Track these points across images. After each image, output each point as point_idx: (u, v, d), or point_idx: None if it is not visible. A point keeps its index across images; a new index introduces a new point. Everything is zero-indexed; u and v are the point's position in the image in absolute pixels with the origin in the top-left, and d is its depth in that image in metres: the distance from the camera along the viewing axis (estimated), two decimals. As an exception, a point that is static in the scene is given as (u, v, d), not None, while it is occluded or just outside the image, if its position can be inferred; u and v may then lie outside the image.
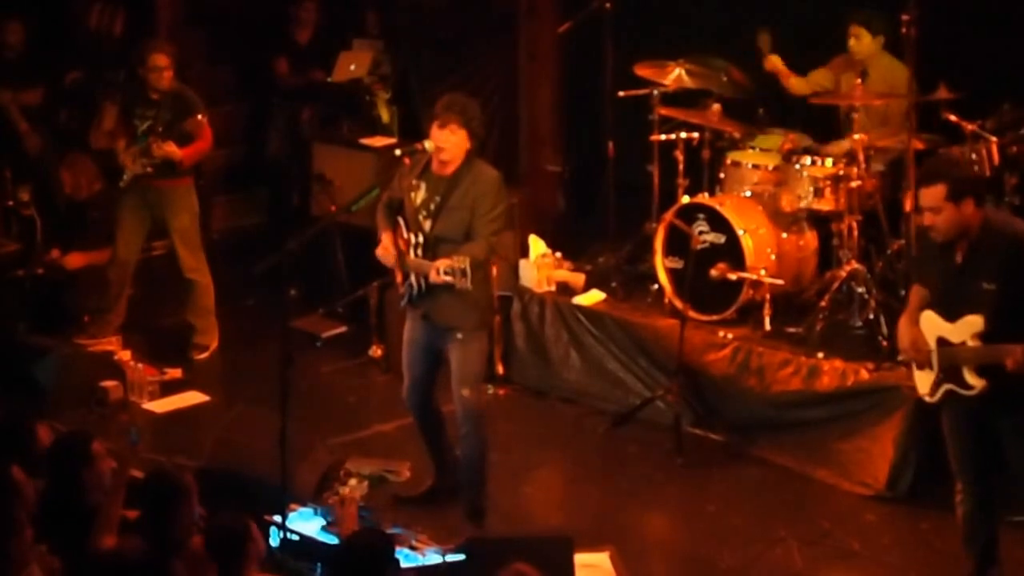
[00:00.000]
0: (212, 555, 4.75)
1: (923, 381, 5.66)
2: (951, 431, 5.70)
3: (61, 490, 5.16)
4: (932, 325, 5.56)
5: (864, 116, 7.53)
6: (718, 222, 7.60)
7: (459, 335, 6.27)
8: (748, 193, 7.85)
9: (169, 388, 7.99)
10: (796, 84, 8.00)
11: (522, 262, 8.28)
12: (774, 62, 8.01)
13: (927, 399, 5.68)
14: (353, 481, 6.72)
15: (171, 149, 8.08)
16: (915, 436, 6.83)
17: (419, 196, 6.25)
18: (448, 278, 5.95)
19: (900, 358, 5.84)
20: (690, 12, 8.85)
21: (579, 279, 8.22)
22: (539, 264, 8.22)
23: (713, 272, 7.59)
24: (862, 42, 7.68)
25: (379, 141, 9.32)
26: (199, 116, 8.11)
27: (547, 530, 6.52)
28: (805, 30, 8.30)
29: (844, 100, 7.68)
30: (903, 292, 7.39)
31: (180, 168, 8.22)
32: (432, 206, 6.20)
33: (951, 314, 5.48)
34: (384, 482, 6.86)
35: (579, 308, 8.02)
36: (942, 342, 5.52)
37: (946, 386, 5.56)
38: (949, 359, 5.50)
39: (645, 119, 8.13)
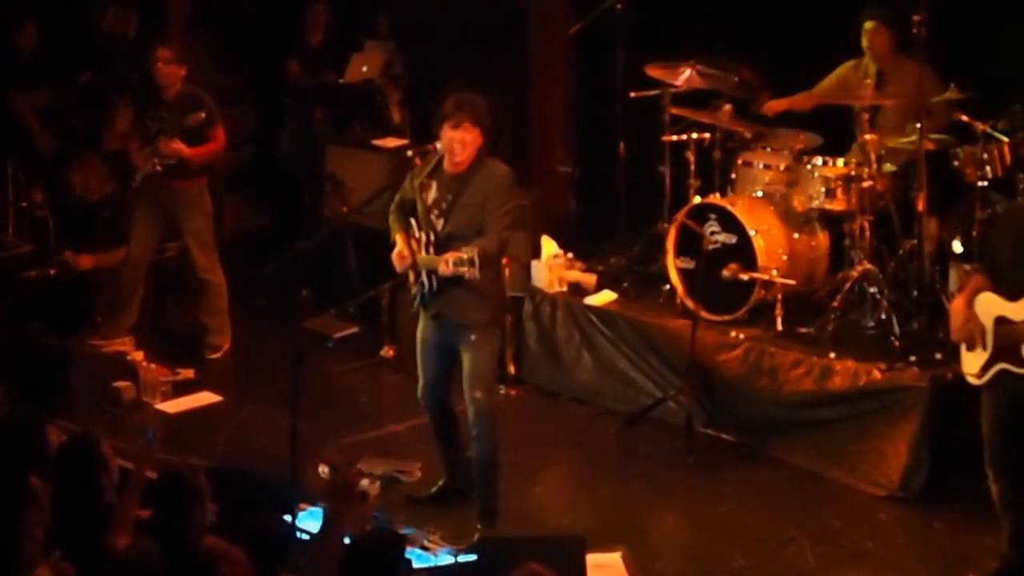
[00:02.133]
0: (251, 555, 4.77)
1: (972, 361, 5.80)
2: (991, 416, 5.80)
3: (73, 493, 5.16)
4: (991, 305, 5.71)
5: (883, 117, 7.52)
6: (730, 222, 7.60)
7: (472, 336, 6.27)
8: (760, 193, 7.84)
9: (182, 388, 8.01)
10: (802, 99, 7.98)
11: (534, 263, 8.28)
12: (772, 106, 8.00)
13: (974, 380, 5.81)
14: (365, 481, 6.74)
15: (178, 147, 8.09)
16: (928, 436, 6.83)
17: (430, 195, 6.25)
18: (459, 268, 5.95)
19: (953, 338, 5.93)
20: (701, 13, 8.83)
21: (591, 279, 8.22)
22: (551, 265, 8.23)
23: (725, 272, 7.59)
24: (879, 38, 7.67)
25: (391, 142, 9.33)
26: (201, 114, 8.11)
27: (559, 530, 6.51)
28: (816, 32, 8.29)
29: (857, 100, 7.65)
30: (915, 292, 7.40)
31: (190, 167, 8.24)
32: (444, 204, 6.21)
33: (1015, 293, 5.62)
34: (396, 482, 6.86)
35: (591, 308, 8.03)
36: (1001, 321, 5.65)
37: (1000, 366, 5.69)
38: (1008, 337, 5.62)
39: (656, 119, 8.13)
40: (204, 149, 8.23)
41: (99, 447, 5.24)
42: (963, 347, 5.86)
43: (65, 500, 5.09)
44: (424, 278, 6.26)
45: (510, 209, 6.20)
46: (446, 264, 6.00)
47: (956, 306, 5.88)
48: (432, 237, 6.22)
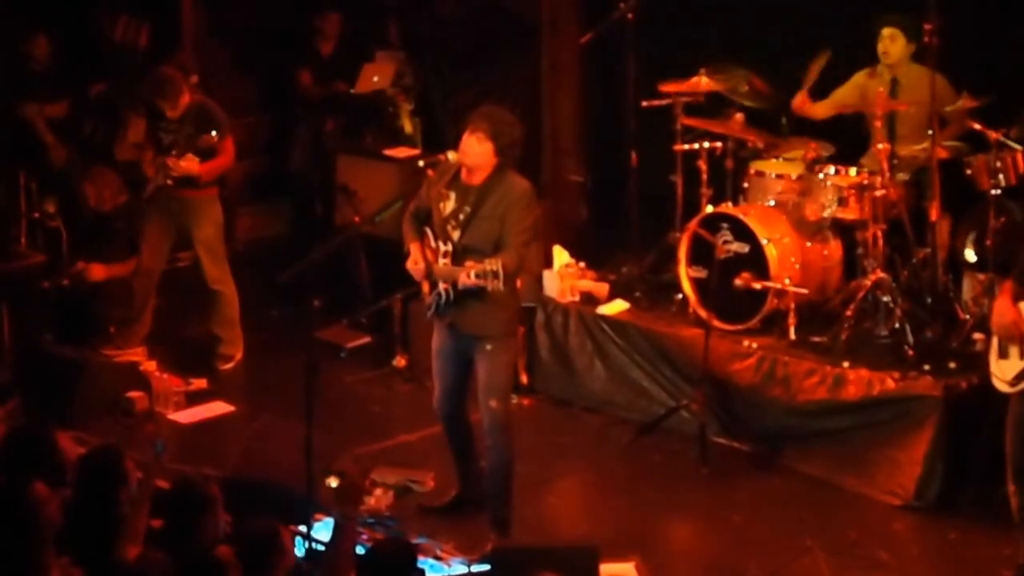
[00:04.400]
0: (241, 560, 4.75)
1: (1005, 369, 5.74)
2: (1021, 428, 5.71)
3: (90, 503, 5.16)
4: None
5: (897, 126, 7.51)
6: (742, 231, 7.59)
7: (488, 346, 6.25)
8: (772, 202, 7.83)
9: (194, 398, 8.01)
10: (820, 109, 7.97)
11: (546, 272, 8.28)
12: (803, 103, 7.93)
13: (1006, 388, 5.74)
14: (378, 491, 6.74)
15: (187, 165, 8.08)
16: (943, 445, 6.80)
17: (448, 205, 6.23)
18: (479, 281, 5.92)
19: (994, 333, 5.84)
20: (712, 22, 8.84)
21: (603, 289, 8.21)
22: (563, 274, 8.23)
23: (737, 281, 7.57)
24: (896, 45, 7.65)
25: (402, 152, 9.34)
26: (213, 133, 8.12)
27: (572, 540, 6.50)
28: (829, 42, 8.28)
29: (871, 108, 7.64)
30: (929, 301, 7.38)
31: (199, 182, 8.25)
32: (461, 216, 6.18)
33: None
34: (409, 492, 6.86)
35: (603, 318, 8.02)
36: None
37: None
38: None
39: (668, 129, 8.13)
40: (213, 164, 8.23)
41: (122, 460, 5.24)
42: (994, 355, 5.78)
43: (81, 510, 5.09)
44: (441, 288, 6.25)
45: (529, 225, 6.16)
46: (467, 275, 5.98)
47: (1001, 305, 5.77)
48: (448, 247, 6.20)
